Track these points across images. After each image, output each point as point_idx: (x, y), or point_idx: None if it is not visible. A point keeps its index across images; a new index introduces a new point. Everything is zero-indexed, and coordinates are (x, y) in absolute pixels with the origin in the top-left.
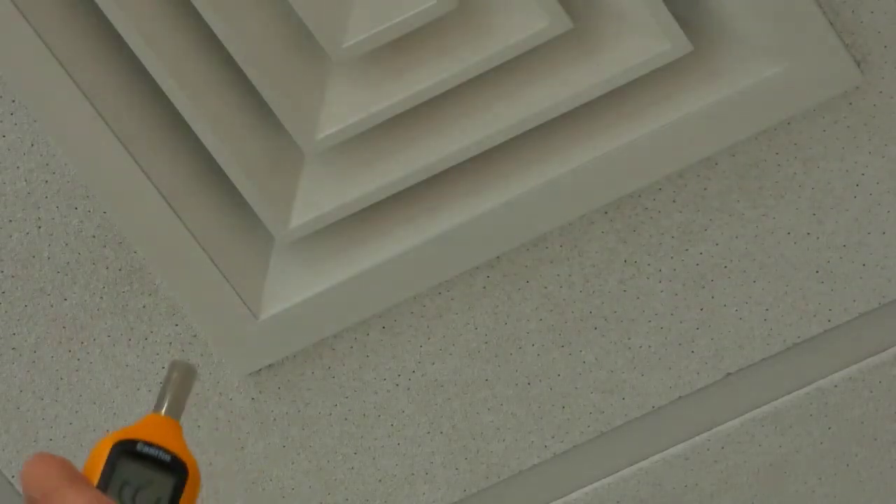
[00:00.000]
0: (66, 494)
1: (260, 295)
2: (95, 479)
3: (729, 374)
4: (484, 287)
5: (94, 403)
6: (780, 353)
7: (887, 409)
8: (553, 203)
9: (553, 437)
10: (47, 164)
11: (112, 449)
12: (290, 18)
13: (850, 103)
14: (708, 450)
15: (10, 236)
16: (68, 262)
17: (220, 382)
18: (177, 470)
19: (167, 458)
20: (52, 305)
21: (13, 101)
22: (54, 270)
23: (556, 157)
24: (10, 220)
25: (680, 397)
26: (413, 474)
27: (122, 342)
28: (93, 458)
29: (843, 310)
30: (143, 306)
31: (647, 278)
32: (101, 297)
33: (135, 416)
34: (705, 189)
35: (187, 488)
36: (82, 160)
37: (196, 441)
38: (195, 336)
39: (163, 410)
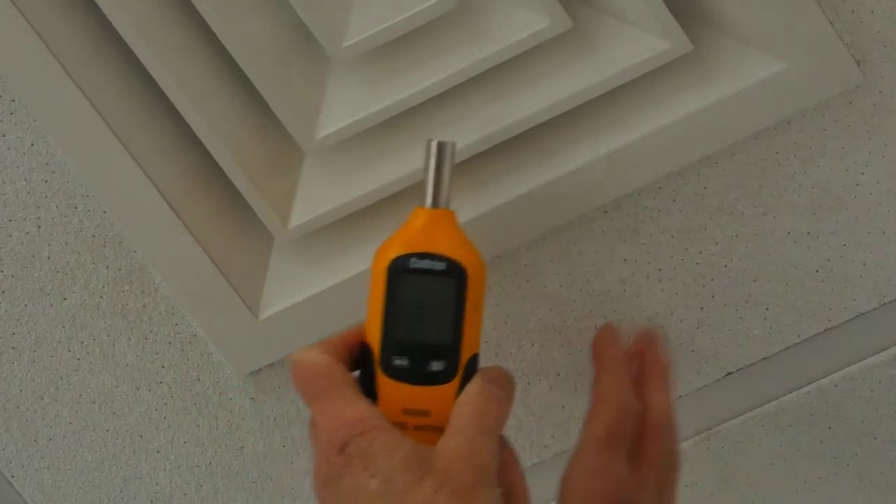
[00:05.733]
0: (333, 404)
1: (260, 295)
2: (381, 308)
3: (729, 373)
4: None
5: (94, 403)
6: (779, 352)
7: (887, 409)
8: (553, 202)
9: (553, 437)
10: (47, 164)
11: (388, 272)
12: (290, 18)
13: (850, 103)
14: (708, 450)
15: (10, 236)
16: (68, 262)
17: (220, 382)
18: (455, 273)
19: (441, 266)
20: (52, 305)
21: (13, 100)
22: (54, 270)
23: (555, 157)
24: (10, 220)
25: (680, 397)
26: None
27: (121, 342)
28: (374, 281)
29: (843, 309)
30: (143, 306)
31: (647, 277)
32: (101, 297)
33: (135, 415)
34: (705, 188)
35: (470, 287)
36: (82, 160)
37: (196, 441)
38: (195, 336)
39: (428, 202)
